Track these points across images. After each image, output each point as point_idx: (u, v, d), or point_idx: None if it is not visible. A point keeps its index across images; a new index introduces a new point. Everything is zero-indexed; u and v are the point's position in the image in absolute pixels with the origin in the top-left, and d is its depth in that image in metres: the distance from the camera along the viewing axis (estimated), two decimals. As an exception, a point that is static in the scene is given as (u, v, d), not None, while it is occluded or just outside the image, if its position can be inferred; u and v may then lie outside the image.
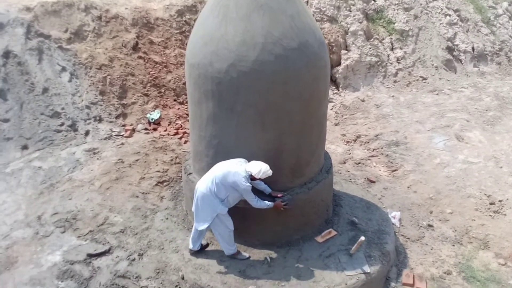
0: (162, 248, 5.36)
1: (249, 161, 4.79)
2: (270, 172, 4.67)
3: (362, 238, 4.89)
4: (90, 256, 5.15)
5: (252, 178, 4.69)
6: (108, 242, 5.42)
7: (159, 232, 5.65)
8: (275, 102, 4.68)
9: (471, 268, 5.59)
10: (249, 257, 5.11)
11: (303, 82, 4.72)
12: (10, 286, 4.71)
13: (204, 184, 4.75)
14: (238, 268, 4.97)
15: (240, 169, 4.65)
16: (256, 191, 4.85)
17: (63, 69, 7.89)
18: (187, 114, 8.54)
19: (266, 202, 4.84)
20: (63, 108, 7.52)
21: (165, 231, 5.67)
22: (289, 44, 4.52)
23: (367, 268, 5.01)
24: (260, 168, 4.62)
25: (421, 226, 6.40)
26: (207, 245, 5.25)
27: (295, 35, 4.56)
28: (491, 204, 6.79)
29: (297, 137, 4.99)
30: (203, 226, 4.84)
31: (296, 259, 5.13)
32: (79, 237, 5.46)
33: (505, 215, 6.52)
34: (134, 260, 5.18)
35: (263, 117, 4.73)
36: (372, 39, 11.77)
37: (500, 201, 6.80)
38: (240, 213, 5.02)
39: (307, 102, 4.88)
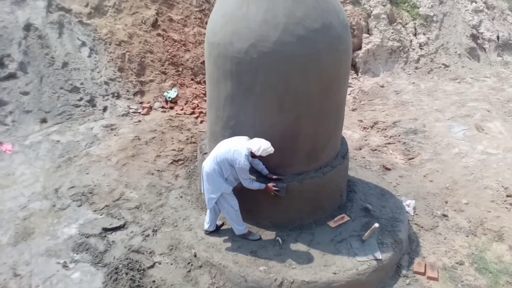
0: (176, 226, 5.43)
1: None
2: (271, 150, 4.58)
3: (376, 225, 4.87)
4: (105, 230, 5.24)
5: (252, 155, 4.65)
6: (123, 217, 5.50)
7: (173, 209, 5.72)
8: (294, 84, 4.62)
9: (484, 259, 5.53)
10: (260, 237, 5.15)
11: (324, 65, 4.64)
12: (27, 256, 4.84)
13: (208, 163, 4.76)
14: (250, 248, 5.01)
15: (241, 147, 4.61)
16: (253, 171, 4.84)
17: (83, 44, 7.91)
18: (204, 94, 8.55)
19: (258, 183, 4.83)
20: (82, 83, 7.57)
21: (179, 209, 5.73)
22: (311, 25, 4.43)
23: (379, 255, 5.00)
24: (260, 145, 4.54)
25: (435, 216, 6.34)
26: (222, 224, 5.30)
27: (318, 16, 4.46)
28: (508, 196, 6.67)
29: (315, 122, 4.94)
30: (209, 205, 4.87)
31: (308, 243, 5.15)
32: (95, 211, 5.56)
33: (522, 208, 6.41)
34: (148, 236, 5.26)
35: (281, 99, 4.69)
36: (395, 24, 11.49)
37: (517, 194, 6.68)
38: (253, 194, 5.03)
39: (326, 86, 4.80)
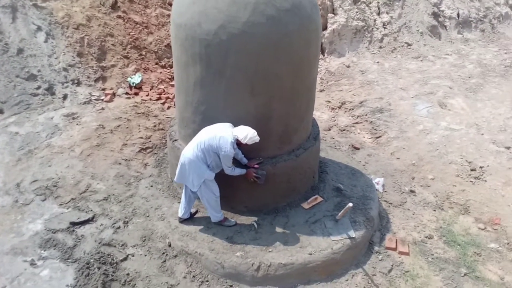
0: (148, 216, 5.29)
1: (237, 126, 4.68)
2: (257, 138, 4.56)
3: (350, 204, 4.92)
4: (73, 224, 5.04)
5: (237, 143, 4.59)
6: (91, 210, 5.30)
7: (144, 199, 5.56)
8: (265, 66, 4.53)
9: (452, 232, 5.74)
10: (236, 223, 5.11)
11: (295, 45, 4.56)
12: (-9, 255, 4.59)
13: (190, 150, 4.64)
14: (226, 234, 4.96)
15: (226, 134, 4.53)
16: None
17: (39, 28, 7.45)
18: (170, 78, 8.30)
19: (239, 169, 4.80)
20: (39, 71, 7.15)
21: (150, 198, 5.57)
22: (282, 5, 4.32)
23: (352, 233, 5.08)
24: (247, 133, 4.50)
25: (403, 192, 6.50)
26: (196, 212, 5.21)
27: (287, -4, 4.35)
28: (472, 170, 6.93)
29: (286, 103, 4.88)
30: (195, 189, 4.77)
31: (283, 225, 5.15)
32: (60, 205, 5.32)
33: (485, 181, 6.67)
34: (119, 228, 5.10)
35: (252, 82, 4.59)
36: (359, 3, 11.52)
37: (481, 167, 6.95)
38: (227, 180, 4.96)
39: (297, 67, 4.74)
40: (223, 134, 4.51)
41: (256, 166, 4.96)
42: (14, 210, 5.19)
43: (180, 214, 5.08)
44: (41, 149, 6.23)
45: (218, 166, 4.73)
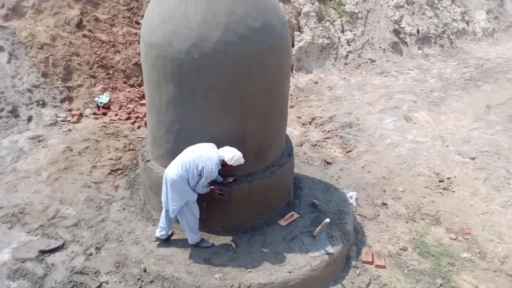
0: (121, 240, 5.11)
1: (212, 144, 4.64)
2: (242, 160, 4.57)
3: (327, 220, 4.94)
4: (43, 252, 4.79)
5: (223, 164, 4.55)
6: (61, 237, 5.07)
7: (116, 223, 5.37)
8: (239, 84, 4.53)
9: (425, 243, 5.86)
10: (213, 244, 5.01)
11: (267, 63, 4.60)
12: (-48, 289, 4.28)
13: (173, 170, 4.52)
14: (203, 256, 4.85)
15: (212, 154, 4.48)
16: None
17: (1, 48, 7.17)
18: (139, 97, 8.18)
19: (207, 187, 4.72)
20: (2, 92, 6.85)
21: (122, 222, 5.39)
22: (252, 24, 4.36)
23: (330, 249, 5.09)
24: (234, 154, 4.49)
25: (376, 205, 6.61)
26: (172, 234, 5.07)
27: (259, 15, 4.41)
28: (440, 181, 7.14)
29: (261, 120, 4.89)
30: (171, 214, 4.66)
31: (261, 244, 5.10)
32: (28, 232, 5.06)
33: (453, 191, 6.89)
34: (91, 254, 4.89)
35: (226, 100, 4.58)
36: (323, 21, 11.84)
37: (448, 178, 7.18)
38: (203, 200, 4.88)
39: (270, 84, 4.77)
40: (209, 155, 4.46)
41: (230, 180, 4.92)
42: (-23, 240, 4.90)
43: (158, 234, 4.93)
44: (6, 174, 5.94)
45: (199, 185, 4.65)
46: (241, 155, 4.54)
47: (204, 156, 4.45)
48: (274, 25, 4.58)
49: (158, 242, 4.98)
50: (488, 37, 14.77)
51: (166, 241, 4.99)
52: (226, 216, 5.16)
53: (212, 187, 4.75)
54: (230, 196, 4.91)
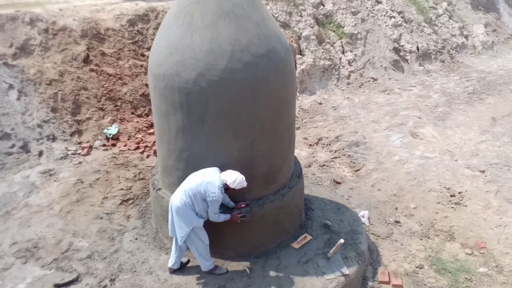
0: (135, 271, 5.09)
1: (222, 170, 4.67)
2: (245, 183, 4.57)
3: (342, 241, 4.91)
4: (58, 286, 4.78)
5: (226, 188, 4.57)
6: (75, 270, 5.06)
7: (129, 254, 5.36)
8: (246, 110, 4.60)
9: (441, 260, 5.79)
10: (227, 271, 4.98)
11: (272, 88, 4.68)
12: (-32, 328, 4.27)
13: (178, 197, 4.56)
14: (218, 283, 4.82)
15: (214, 178, 4.51)
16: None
17: (10, 86, 7.35)
18: (147, 127, 8.28)
19: (223, 215, 4.71)
20: (12, 129, 6.99)
21: (135, 252, 5.39)
22: (257, 51, 4.46)
23: (345, 270, 5.04)
24: (236, 178, 4.51)
25: (389, 223, 6.56)
26: (188, 262, 5.05)
27: (262, 42, 4.52)
28: (451, 196, 7.10)
29: (269, 144, 4.94)
30: (180, 241, 4.66)
31: (275, 268, 5.06)
32: (43, 266, 5.06)
33: (466, 206, 6.84)
34: (105, 286, 4.86)
35: (234, 126, 4.64)
36: (324, 43, 12.03)
37: (459, 192, 7.13)
38: (214, 226, 4.89)
39: (277, 108, 4.84)
40: (211, 179, 4.49)
41: (242, 206, 4.91)
42: (-7, 276, 4.91)
43: (170, 264, 4.92)
44: (19, 209, 5.99)
45: (206, 213, 4.66)
46: (243, 178, 4.55)
47: (206, 181, 4.48)
48: (277, 51, 4.68)
49: (171, 270, 4.96)
50: (488, 50, 14.91)
51: (181, 270, 4.97)
52: (239, 241, 5.14)
53: (230, 214, 4.75)
54: (253, 214, 4.91)
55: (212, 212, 4.59)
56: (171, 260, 4.91)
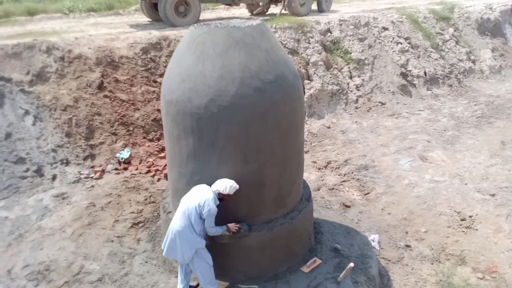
0: (145, 294, 5.13)
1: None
2: (236, 186, 4.63)
3: (352, 264, 4.91)
4: (69, 309, 4.84)
5: (220, 197, 4.62)
6: (86, 292, 5.12)
7: (139, 277, 5.41)
8: (256, 134, 4.71)
9: (452, 284, 5.72)
10: None
11: (282, 113, 4.80)
12: None
13: (177, 221, 4.61)
14: (228, 307, 4.83)
15: (206, 193, 4.58)
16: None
17: (26, 112, 7.59)
18: (158, 151, 8.43)
19: (220, 227, 4.75)
20: (27, 153, 7.18)
21: (145, 275, 5.43)
22: (266, 77, 4.61)
23: (355, 295, 5.01)
24: (226, 184, 4.58)
25: (399, 247, 6.52)
26: (197, 285, 5.07)
27: (271, 68, 4.66)
28: (462, 220, 7.05)
29: (278, 168, 5.02)
30: (188, 261, 4.68)
31: (285, 292, 5.06)
32: (54, 289, 5.13)
33: (476, 229, 6.78)
34: (116, 309, 4.91)
35: (244, 150, 4.74)
36: (331, 69, 12.23)
37: (470, 216, 7.09)
38: (223, 249, 4.94)
39: (286, 133, 4.94)
40: (204, 196, 4.56)
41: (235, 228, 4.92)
42: (5, 299, 4.98)
43: None
44: (32, 232, 6.10)
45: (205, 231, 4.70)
46: (234, 182, 4.63)
47: (199, 200, 4.54)
48: (286, 77, 4.82)
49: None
50: (496, 74, 14.99)
51: None
52: (249, 264, 5.17)
53: (225, 225, 4.79)
54: (249, 227, 4.96)
55: (208, 226, 4.62)
56: (179, 285, 4.93)
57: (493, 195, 7.73)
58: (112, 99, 8.67)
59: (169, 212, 5.52)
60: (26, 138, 7.35)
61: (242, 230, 4.90)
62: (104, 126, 8.28)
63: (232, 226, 4.84)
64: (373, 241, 6.47)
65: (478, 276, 5.87)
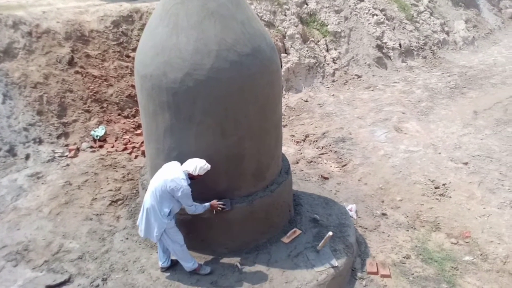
0: (127, 270, 5.12)
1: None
2: (207, 166, 4.52)
3: (330, 233, 5.02)
4: (50, 287, 4.79)
5: (190, 177, 4.53)
6: (66, 271, 5.07)
7: (120, 253, 5.39)
8: (233, 108, 4.67)
9: (427, 250, 5.94)
10: (211, 271, 4.96)
11: (259, 86, 4.76)
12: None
13: (148, 198, 4.56)
14: (210, 279, 4.88)
15: (176, 173, 4.47)
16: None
17: (-5, 90, 7.31)
18: (134, 128, 8.29)
19: (202, 205, 4.69)
20: (-2, 133, 6.96)
21: (126, 251, 5.42)
22: (242, 50, 4.54)
23: (334, 262, 5.15)
24: (196, 164, 4.47)
25: (375, 216, 6.71)
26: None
27: (247, 41, 4.59)
28: (436, 188, 7.28)
29: (257, 142, 5.02)
30: (155, 240, 4.69)
31: (266, 263, 5.14)
32: (34, 268, 5.06)
33: (450, 197, 7.02)
34: (98, 286, 4.89)
35: (222, 125, 4.70)
36: (308, 42, 12.16)
37: (443, 184, 7.32)
38: (204, 223, 4.96)
39: (263, 106, 4.92)
40: (173, 175, 4.46)
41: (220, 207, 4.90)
42: (-17, 280, 4.89)
43: (160, 264, 4.97)
44: (7, 213, 5.97)
45: (179, 208, 4.65)
46: (204, 162, 4.51)
47: (169, 179, 4.44)
48: (263, 49, 4.76)
49: (164, 269, 5.01)
50: (469, 46, 15.23)
51: (173, 267, 5.02)
52: (229, 237, 5.22)
53: (208, 203, 4.75)
54: (232, 204, 4.97)
55: (187, 205, 4.56)
56: (160, 259, 4.96)
57: (466, 163, 7.97)
58: (84, 75, 8.41)
59: (148, 188, 5.47)
60: (-4, 117, 7.11)
61: (226, 208, 4.91)
62: (76, 103, 8.06)
63: (215, 204, 4.80)
64: (351, 210, 6.61)
65: (452, 241, 6.11)
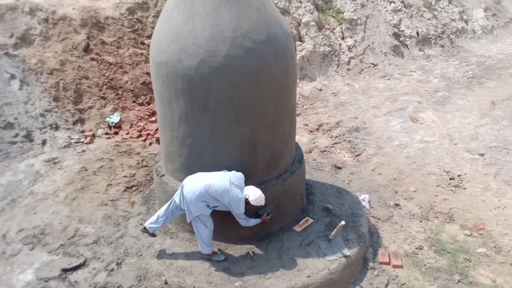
0: (141, 255, 5.20)
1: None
2: (263, 202, 4.73)
3: (343, 223, 5.01)
4: (65, 271, 4.90)
5: (246, 202, 4.70)
6: (82, 255, 5.18)
7: (134, 238, 5.47)
8: (248, 95, 4.66)
9: (440, 241, 5.90)
10: (225, 259, 5.04)
11: (273, 74, 4.73)
12: (-19, 312, 4.40)
13: (195, 185, 4.64)
14: (222, 265, 4.94)
15: (238, 195, 4.62)
16: None
17: (12, 76, 7.39)
18: (149, 115, 8.34)
19: (254, 219, 4.95)
20: (16, 118, 7.05)
21: (140, 237, 5.49)
22: (258, 37, 4.50)
23: (346, 252, 5.15)
24: (259, 196, 4.66)
25: (389, 206, 6.66)
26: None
27: (263, 28, 4.55)
28: (451, 179, 7.19)
29: (271, 129, 5.01)
30: (188, 220, 4.78)
31: (278, 251, 5.17)
32: (50, 252, 5.18)
33: (465, 188, 6.93)
34: (112, 270, 4.99)
35: (236, 112, 4.70)
36: (323, 29, 12.02)
37: (459, 175, 7.22)
38: (218, 211, 4.98)
39: (278, 93, 4.90)
40: (237, 195, 4.62)
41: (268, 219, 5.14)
42: (2, 262, 5.01)
43: (148, 225, 5.03)
44: (25, 197, 6.09)
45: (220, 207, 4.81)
46: (264, 197, 4.72)
47: (233, 194, 4.59)
48: (278, 36, 4.72)
49: (177, 254, 5.07)
50: (488, 35, 14.89)
51: (151, 236, 5.18)
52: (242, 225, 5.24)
53: (260, 219, 5.02)
54: (275, 209, 5.22)
55: (240, 219, 4.81)
56: (152, 222, 5.02)
57: (482, 154, 7.85)
58: (99, 62, 8.46)
59: (162, 175, 5.52)
60: (14, 103, 7.20)
61: (271, 214, 5.13)
62: (92, 90, 8.13)
63: (266, 219, 5.06)
64: (364, 200, 6.58)
65: (465, 233, 6.04)
